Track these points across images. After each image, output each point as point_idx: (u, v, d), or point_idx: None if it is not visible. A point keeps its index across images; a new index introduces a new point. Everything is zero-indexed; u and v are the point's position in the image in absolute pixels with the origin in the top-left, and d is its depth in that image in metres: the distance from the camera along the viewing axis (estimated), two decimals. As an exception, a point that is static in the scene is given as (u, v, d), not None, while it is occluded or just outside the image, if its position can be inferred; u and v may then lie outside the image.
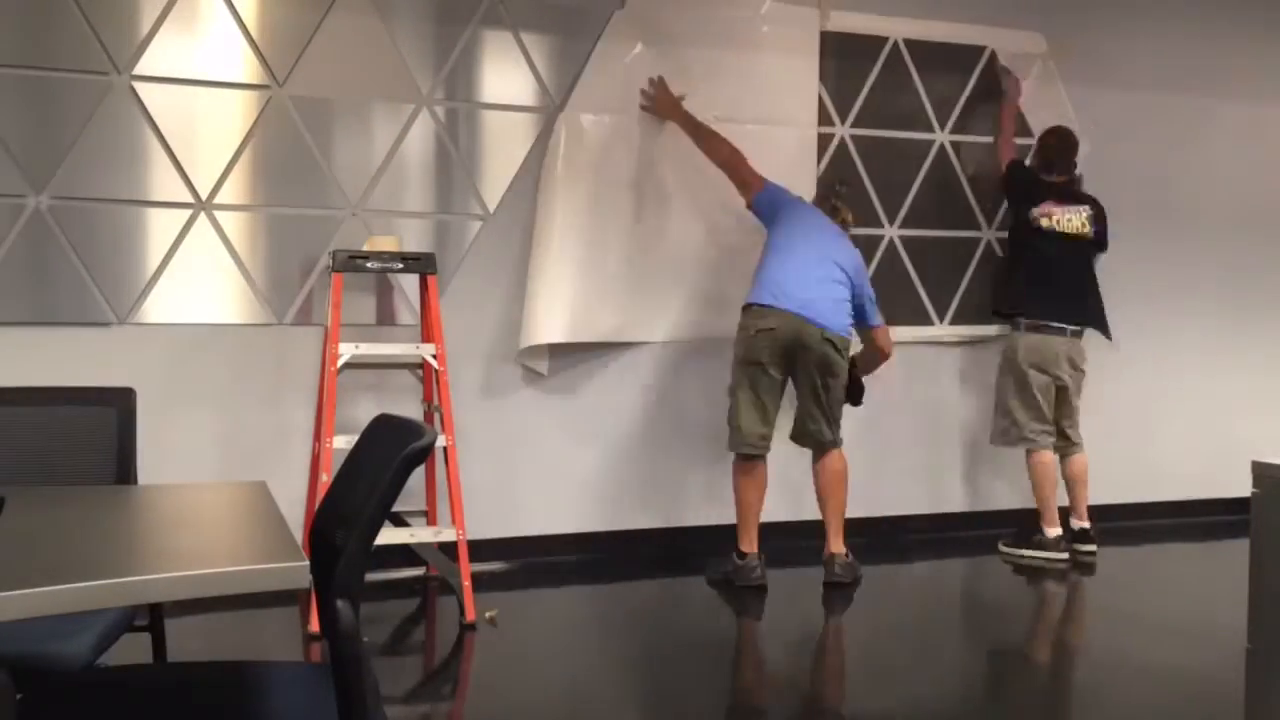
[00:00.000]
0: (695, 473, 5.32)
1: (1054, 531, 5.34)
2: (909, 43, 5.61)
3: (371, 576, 4.43)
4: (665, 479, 5.29)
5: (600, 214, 5.05)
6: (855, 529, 4.98)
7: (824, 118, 5.48)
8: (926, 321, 5.69)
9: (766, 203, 4.93)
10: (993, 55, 5.70)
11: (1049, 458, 5.39)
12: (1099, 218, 5.51)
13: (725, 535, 5.17)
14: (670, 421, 5.29)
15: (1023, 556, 5.32)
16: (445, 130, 4.90)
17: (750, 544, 4.78)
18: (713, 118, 5.10)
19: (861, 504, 5.18)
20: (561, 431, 5.10)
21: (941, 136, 5.69)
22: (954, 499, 5.79)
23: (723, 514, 5.28)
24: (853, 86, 5.51)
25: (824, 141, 5.46)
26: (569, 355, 5.09)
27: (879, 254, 5.57)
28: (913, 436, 5.68)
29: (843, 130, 5.51)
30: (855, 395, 4.94)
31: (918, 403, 5.68)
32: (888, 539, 5.48)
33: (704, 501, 5.32)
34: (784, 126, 5.37)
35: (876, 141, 5.57)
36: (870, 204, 5.56)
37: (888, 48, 5.58)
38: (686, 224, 5.25)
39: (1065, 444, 5.48)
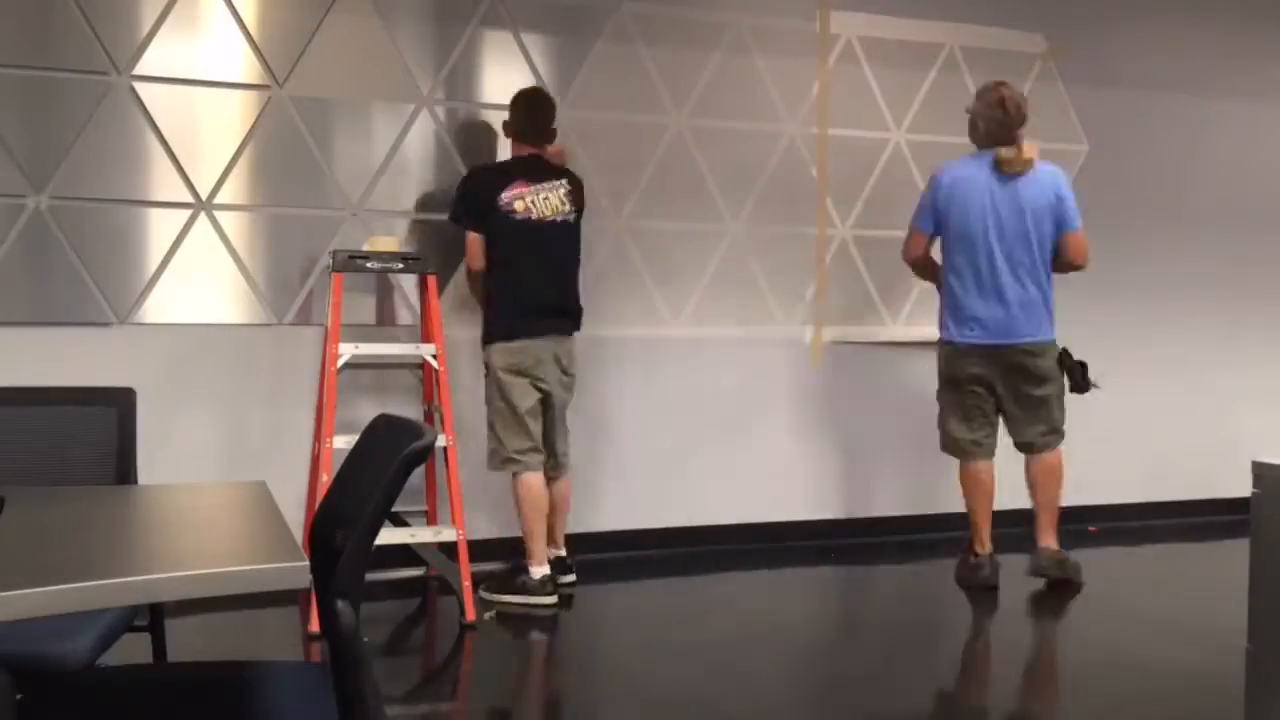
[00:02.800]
0: (698, 472, 5.32)
1: (540, 571, 4.46)
2: (909, 44, 5.61)
3: (371, 576, 4.42)
4: (667, 479, 5.29)
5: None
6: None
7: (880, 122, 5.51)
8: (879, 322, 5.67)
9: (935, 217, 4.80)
10: None
11: (532, 480, 4.50)
12: (576, 194, 4.60)
13: (727, 535, 5.18)
14: (671, 420, 5.29)
15: (504, 603, 4.43)
16: (445, 130, 4.90)
17: (985, 544, 4.87)
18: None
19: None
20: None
21: (898, 135, 5.68)
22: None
23: (723, 514, 5.30)
24: (850, 88, 5.51)
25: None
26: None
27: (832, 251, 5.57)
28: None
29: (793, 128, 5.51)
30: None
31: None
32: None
33: (706, 501, 5.33)
34: (782, 127, 5.37)
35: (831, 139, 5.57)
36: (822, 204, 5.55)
37: (887, 49, 5.58)
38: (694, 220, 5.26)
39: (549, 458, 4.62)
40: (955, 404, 4.80)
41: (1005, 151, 4.68)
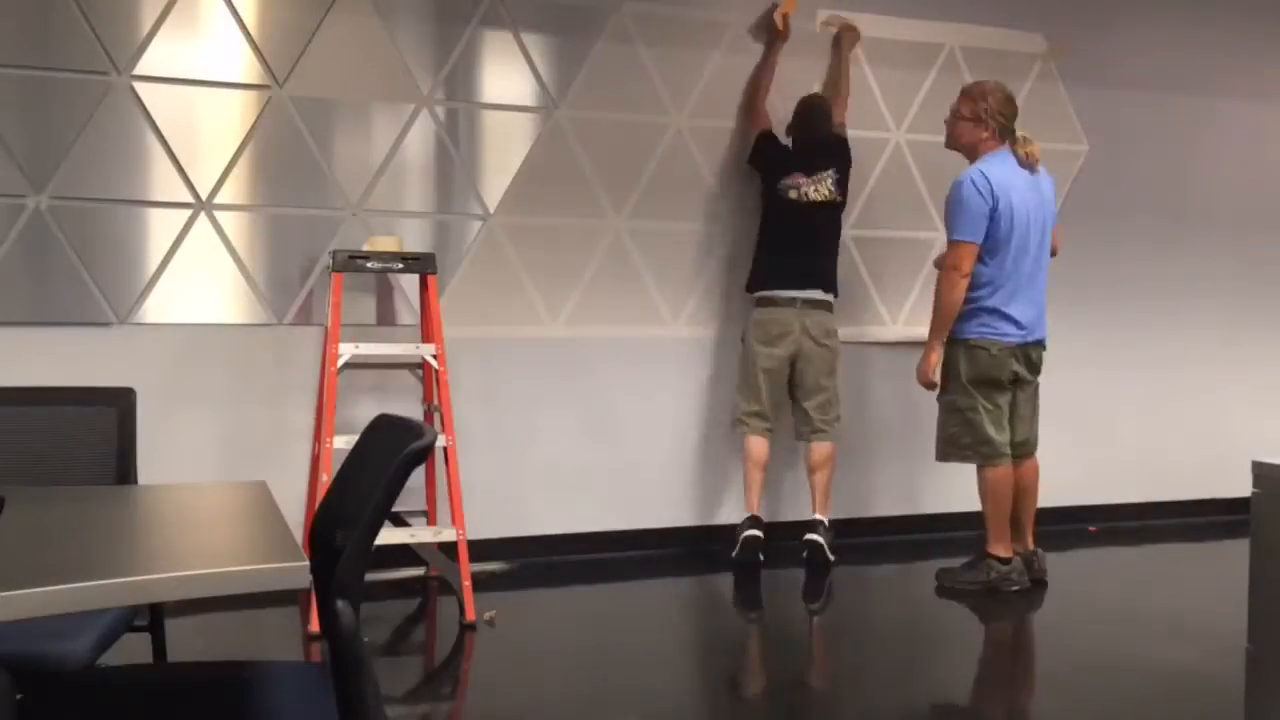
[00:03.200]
0: (697, 471, 5.33)
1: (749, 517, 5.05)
2: (909, 44, 5.61)
3: (371, 576, 4.43)
4: (668, 479, 5.29)
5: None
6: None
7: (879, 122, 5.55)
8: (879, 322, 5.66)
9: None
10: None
11: (756, 446, 5.07)
12: (842, 180, 5.13)
13: (726, 535, 5.18)
14: (675, 419, 5.29)
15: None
16: (445, 130, 4.91)
17: (1010, 548, 4.79)
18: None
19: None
20: (562, 430, 5.10)
21: (898, 135, 5.68)
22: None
23: (723, 514, 5.31)
24: (850, 88, 5.51)
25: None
26: (569, 350, 5.09)
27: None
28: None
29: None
30: None
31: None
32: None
33: (708, 500, 5.33)
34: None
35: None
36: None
37: (887, 49, 5.58)
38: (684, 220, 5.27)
39: (806, 429, 5.14)
40: (990, 406, 4.69)
41: (1032, 146, 4.68)
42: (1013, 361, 4.71)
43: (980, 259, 4.64)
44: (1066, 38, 5.86)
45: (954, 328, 4.70)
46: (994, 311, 4.66)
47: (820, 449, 5.10)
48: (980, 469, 4.77)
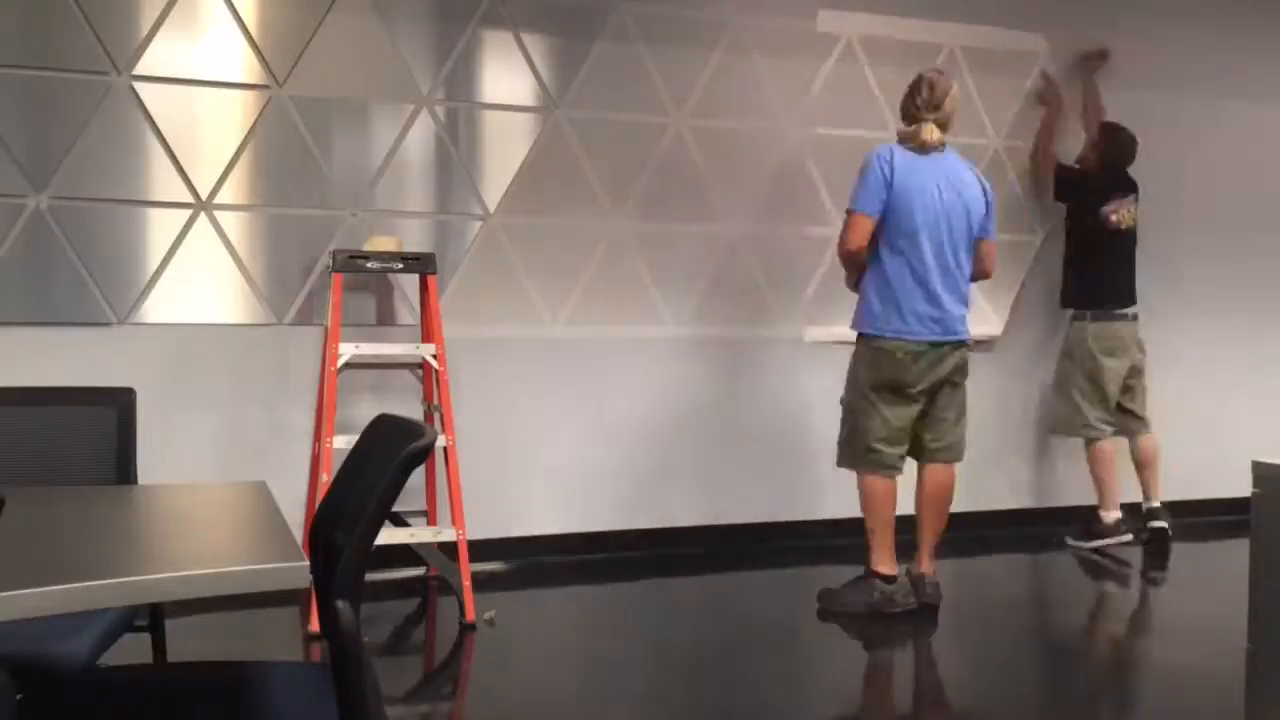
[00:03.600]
0: (697, 472, 5.32)
1: (1113, 515, 5.61)
2: (909, 44, 5.61)
3: (371, 576, 4.43)
4: (668, 479, 5.29)
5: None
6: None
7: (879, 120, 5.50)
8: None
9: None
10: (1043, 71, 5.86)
11: (1109, 446, 5.63)
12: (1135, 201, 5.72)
13: (726, 535, 5.18)
14: (674, 419, 5.29)
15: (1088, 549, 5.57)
16: (445, 130, 4.91)
17: (893, 565, 4.43)
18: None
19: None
20: (561, 430, 5.10)
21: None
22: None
23: (723, 514, 5.30)
24: (850, 88, 5.51)
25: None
26: (569, 350, 5.09)
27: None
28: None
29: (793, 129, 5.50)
30: None
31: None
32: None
33: (708, 500, 5.33)
34: (782, 127, 5.37)
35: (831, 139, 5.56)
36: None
37: (887, 48, 5.58)
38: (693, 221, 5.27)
39: (1138, 424, 5.76)
40: (887, 414, 4.39)
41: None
42: (923, 365, 4.30)
43: (892, 246, 4.26)
44: (1066, 38, 5.86)
45: (861, 321, 4.37)
46: (905, 307, 4.27)
47: (1150, 440, 5.77)
48: (860, 477, 4.42)
